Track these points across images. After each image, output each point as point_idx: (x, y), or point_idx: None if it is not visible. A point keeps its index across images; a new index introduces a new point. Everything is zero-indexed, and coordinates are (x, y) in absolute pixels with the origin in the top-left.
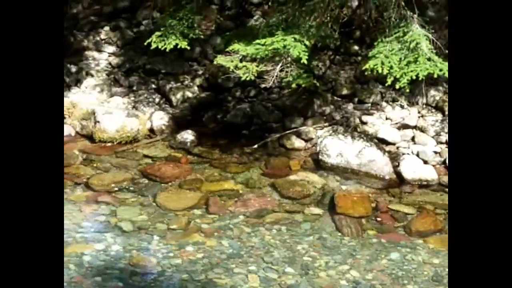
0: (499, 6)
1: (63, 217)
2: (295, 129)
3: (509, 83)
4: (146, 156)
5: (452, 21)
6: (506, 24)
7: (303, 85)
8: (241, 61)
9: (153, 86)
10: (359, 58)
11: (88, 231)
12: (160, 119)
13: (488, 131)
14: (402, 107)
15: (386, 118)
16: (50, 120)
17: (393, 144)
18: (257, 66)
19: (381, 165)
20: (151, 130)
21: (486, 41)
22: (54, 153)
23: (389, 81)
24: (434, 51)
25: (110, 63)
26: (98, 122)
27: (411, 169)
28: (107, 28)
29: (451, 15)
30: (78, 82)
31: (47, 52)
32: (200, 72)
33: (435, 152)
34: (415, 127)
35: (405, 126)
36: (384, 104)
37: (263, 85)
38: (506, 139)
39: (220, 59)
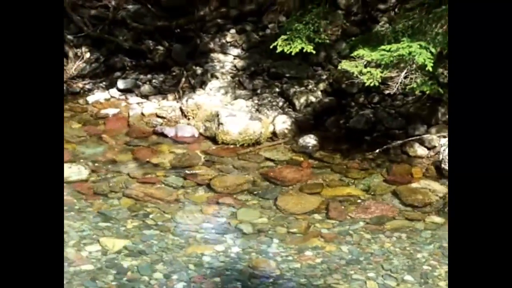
0: (499, 6)
1: (63, 218)
2: (418, 137)
3: (509, 84)
4: (267, 159)
5: (452, 22)
6: (506, 24)
7: (427, 92)
8: (365, 66)
9: (277, 89)
10: None
11: (209, 232)
12: (283, 122)
13: (488, 130)
14: None
15: None
16: (50, 119)
17: None
18: (382, 72)
19: None
20: (274, 133)
21: (487, 41)
22: (54, 153)
23: None
24: None
25: (235, 66)
26: (222, 124)
27: None
28: (233, 31)
29: (451, 15)
30: (203, 84)
31: (47, 52)
32: (324, 77)
33: None
34: None
35: None
36: None
37: (387, 91)
38: (506, 139)
39: (345, 64)
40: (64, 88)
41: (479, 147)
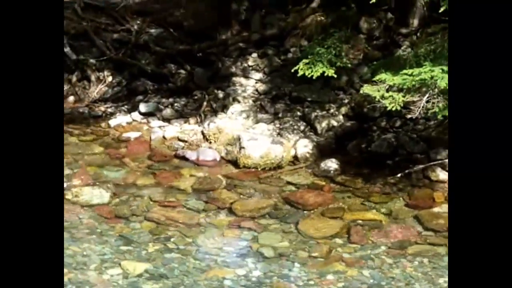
0: (499, 6)
1: (63, 219)
2: (440, 161)
3: (509, 84)
4: (289, 183)
5: (452, 21)
6: (506, 24)
7: None
8: (387, 91)
9: (299, 113)
10: None
11: (230, 256)
12: (305, 146)
13: (488, 130)
14: None
15: None
16: (50, 124)
17: None
18: (404, 97)
19: None
20: (295, 157)
21: (487, 41)
22: (54, 158)
23: None
24: None
25: (256, 90)
26: (243, 148)
27: None
28: (255, 54)
29: (451, 15)
30: (224, 107)
31: (47, 58)
32: (346, 101)
33: None
34: None
35: None
36: None
37: (409, 116)
38: (506, 139)
39: (367, 89)
40: (86, 111)
41: (479, 147)
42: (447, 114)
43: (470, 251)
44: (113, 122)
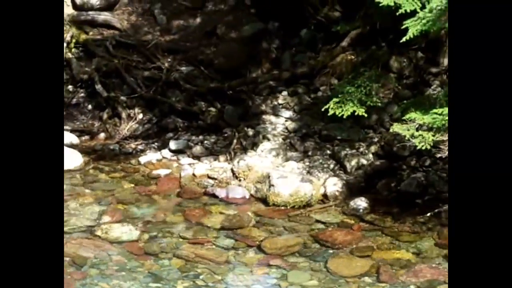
0: (499, 7)
1: (63, 222)
2: None
3: (509, 84)
4: (318, 221)
5: (452, 21)
6: (506, 24)
7: None
8: (417, 130)
9: (328, 152)
10: None
11: None
12: (334, 185)
13: (488, 130)
14: None
15: None
16: (50, 128)
17: None
18: (433, 136)
19: None
20: (325, 195)
21: (487, 41)
22: (54, 163)
23: None
24: None
25: (286, 128)
26: (273, 185)
27: None
28: (285, 93)
29: (451, 15)
30: (254, 145)
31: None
32: (375, 140)
33: None
34: None
35: None
36: None
37: (438, 155)
38: (506, 139)
39: (397, 127)
40: (117, 148)
41: (479, 147)
42: None
43: (470, 251)
44: (143, 159)
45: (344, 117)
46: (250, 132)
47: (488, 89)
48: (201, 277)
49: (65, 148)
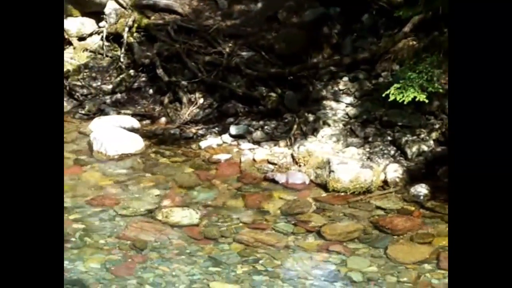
0: (499, 7)
1: (63, 222)
2: None
3: (509, 84)
4: (378, 207)
5: (452, 21)
6: (507, 24)
7: None
8: None
9: (389, 138)
10: None
11: (318, 280)
12: (394, 171)
13: (488, 130)
14: None
15: None
16: (50, 126)
17: None
18: None
19: None
20: (385, 182)
21: (487, 41)
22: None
23: None
24: None
25: (347, 114)
26: (333, 171)
27: None
28: (346, 78)
29: (451, 15)
30: (314, 131)
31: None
32: (436, 126)
33: None
34: None
35: None
36: None
37: None
38: (506, 139)
39: None
40: (178, 133)
41: (479, 147)
42: None
43: (470, 251)
44: (203, 143)
45: (405, 103)
46: (311, 117)
47: (489, 89)
48: (260, 261)
49: (126, 132)
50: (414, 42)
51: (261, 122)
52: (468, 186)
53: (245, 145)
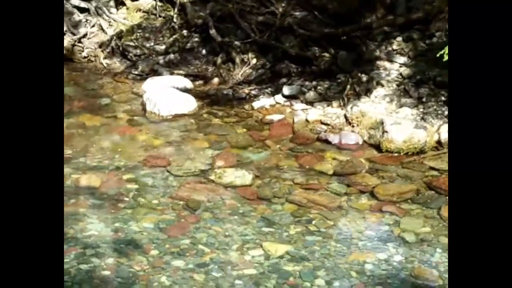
0: (499, 7)
1: (63, 221)
2: None
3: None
4: (432, 168)
5: (452, 21)
6: (507, 24)
7: None
8: None
9: (443, 98)
10: None
11: (371, 240)
12: None
13: (488, 130)
14: None
15: None
16: (50, 120)
17: None
18: None
19: None
20: (439, 142)
21: (487, 41)
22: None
23: None
24: None
25: (400, 74)
26: (386, 132)
27: None
28: (399, 38)
29: (451, 15)
30: (368, 91)
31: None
32: None
33: None
34: None
35: None
36: None
37: None
38: (506, 139)
39: None
40: (230, 93)
41: (479, 147)
42: None
43: (470, 251)
44: (256, 104)
45: None
46: (364, 78)
47: (489, 89)
48: (313, 222)
49: (179, 92)
50: None
51: (314, 83)
52: (468, 185)
53: (298, 105)
